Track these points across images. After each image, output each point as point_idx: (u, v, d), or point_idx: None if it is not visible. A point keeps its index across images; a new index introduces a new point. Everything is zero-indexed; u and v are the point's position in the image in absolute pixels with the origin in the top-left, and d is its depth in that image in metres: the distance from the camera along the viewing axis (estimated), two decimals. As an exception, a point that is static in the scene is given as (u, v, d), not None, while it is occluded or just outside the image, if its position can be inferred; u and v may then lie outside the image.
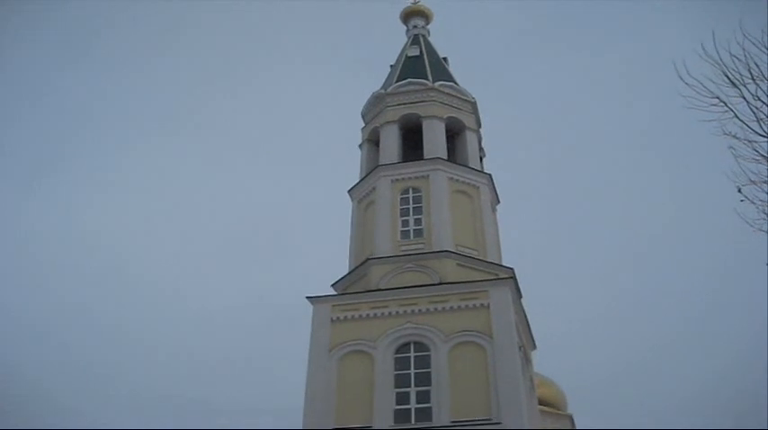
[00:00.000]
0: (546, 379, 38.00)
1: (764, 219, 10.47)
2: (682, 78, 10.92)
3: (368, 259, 24.71)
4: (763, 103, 10.41)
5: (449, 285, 23.01)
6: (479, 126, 30.94)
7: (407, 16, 35.72)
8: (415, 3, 36.09)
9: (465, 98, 30.39)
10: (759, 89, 10.46)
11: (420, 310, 22.63)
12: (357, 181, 28.52)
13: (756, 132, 10.46)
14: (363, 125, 31.05)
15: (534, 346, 27.04)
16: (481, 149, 30.41)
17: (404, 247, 24.93)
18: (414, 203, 26.05)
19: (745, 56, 10.55)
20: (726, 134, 10.70)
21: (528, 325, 25.68)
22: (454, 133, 29.47)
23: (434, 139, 27.86)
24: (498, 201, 28.76)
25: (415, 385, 21.56)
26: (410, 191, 26.38)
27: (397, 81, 30.44)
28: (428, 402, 21.14)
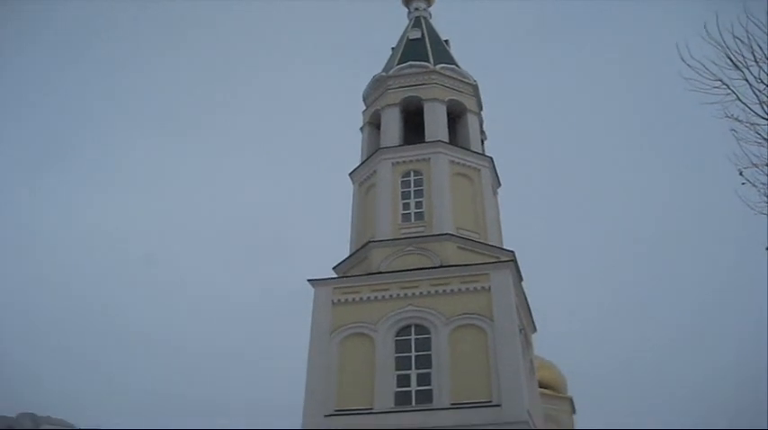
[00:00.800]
0: (546, 361, 38.23)
1: (765, 202, 10.46)
2: (684, 60, 10.86)
3: (369, 242, 24.72)
4: (766, 85, 10.36)
5: (449, 268, 23.02)
6: (481, 109, 30.83)
7: (409, -2, 35.50)
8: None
9: (466, 81, 30.25)
10: (762, 71, 10.40)
11: (421, 293, 22.66)
12: (358, 164, 28.47)
13: (759, 115, 10.42)
14: (364, 108, 30.95)
15: (535, 329, 27.12)
16: (482, 132, 30.30)
17: (404, 230, 24.92)
18: (415, 186, 26.02)
19: (748, 38, 10.49)
20: (728, 117, 10.67)
21: (528, 308, 25.73)
22: (455, 116, 29.36)
23: (435, 122, 27.77)
24: (499, 184, 28.73)
25: (416, 368, 21.64)
26: (411, 174, 26.33)
27: (398, 64, 30.30)
28: (429, 385, 21.23)
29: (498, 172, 28.26)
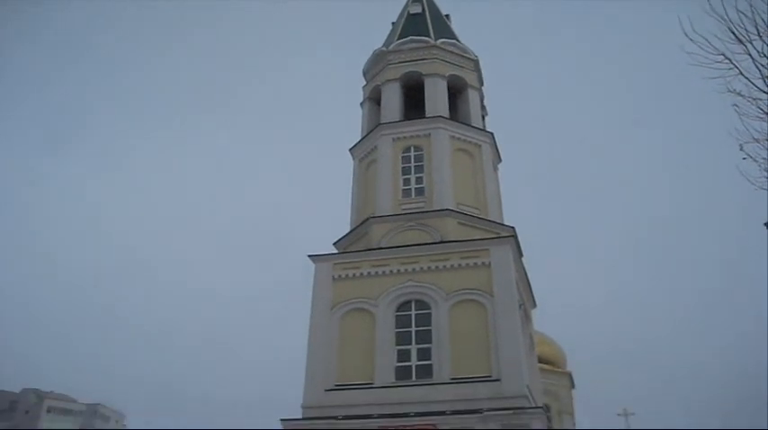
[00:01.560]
0: (546, 337, 38.43)
1: (766, 178, 10.44)
2: (687, 34, 10.76)
3: (369, 218, 24.73)
4: (769, 59, 10.29)
5: (450, 244, 23.05)
6: (481, 84, 30.68)
7: (410, -28, 35.15)
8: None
9: (467, 56, 30.08)
10: (765, 45, 10.32)
11: (421, 269, 22.72)
12: (358, 140, 28.39)
13: (761, 89, 10.36)
14: (365, 83, 30.79)
15: (534, 305, 27.23)
16: (483, 108, 30.19)
17: (405, 206, 24.92)
18: (415, 162, 25.98)
19: (751, 11, 10.39)
20: (730, 92, 10.59)
21: (528, 283, 25.81)
22: (456, 91, 29.24)
23: (436, 97, 27.66)
24: (500, 160, 28.68)
25: (416, 343, 21.76)
26: (411, 149, 26.29)
27: (398, 38, 30.11)
28: (429, 359, 21.36)
29: (499, 147, 28.17)
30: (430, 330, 21.77)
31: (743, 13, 10.44)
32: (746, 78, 10.41)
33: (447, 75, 28.76)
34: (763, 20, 10.34)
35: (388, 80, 28.80)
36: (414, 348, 21.67)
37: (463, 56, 29.89)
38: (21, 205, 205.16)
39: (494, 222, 24.75)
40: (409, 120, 27.52)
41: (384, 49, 30.11)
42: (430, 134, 26.32)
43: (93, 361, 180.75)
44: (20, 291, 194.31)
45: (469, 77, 29.52)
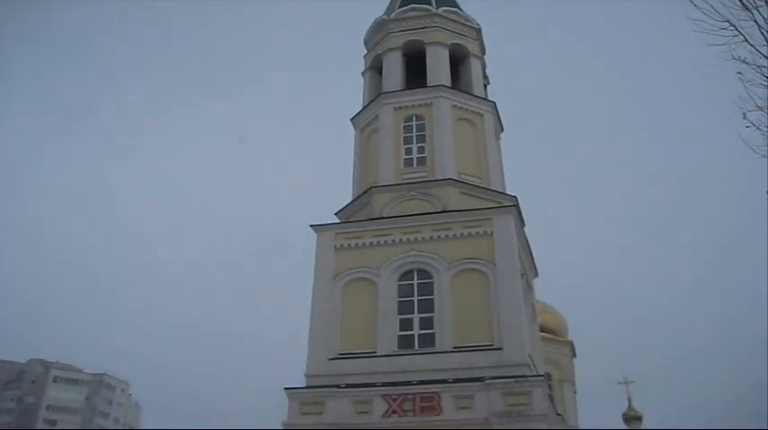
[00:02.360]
0: (548, 306, 38.55)
1: None
2: (691, 0, 10.63)
3: (371, 187, 24.70)
4: (775, 26, 10.17)
5: (452, 213, 23.04)
6: (483, 53, 30.42)
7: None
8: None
9: (469, 24, 29.79)
10: (771, 12, 10.20)
11: (423, 238, 22.75)
12: (360, 109, 28.25)
13: (766, 57, 10.26)
14: (366, 52, 30.55)
15: (536, 274, 27.29)
16: (485, 77, 29.96)
17: (407, 175, 24.87)
18: (417, 131, 25.86)
19: (758, -23, 10.25)
20: (735, 59, 10.48)
21: (530, 253, 25.85)
22: (458, 60, 28.99)
23: (438, 66, 27.45)
24: (502, 129, 28.56)
25: (419, 312, 21.86)
26: (413, 118, 26.16)
27: (400, 7, 29.76)
28: (431, 328, 21.48)
29: (501, 117, 28.04)
30: (432, 299, 21.85)
31: (749, -21, 10.30)
32: (751, 45, 10.31)
33: (449, 43, 28.50)
34: (769, -14, 10.20)
35: (390, 49, 28.57)
36: (416, 317, 21.78)
37: (465, 24, 29.59)
38: (29, 183, 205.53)
39: (496, 191, 24.72)
40: (411, 89, 27.33)
41: (385, 17, 29.81)
42: (431, 103, 26.18)
43: (99, 331, 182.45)
44: (26, 264, 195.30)
45: (471, 46, 29.27)
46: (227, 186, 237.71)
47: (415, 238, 22.80)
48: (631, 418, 37.68)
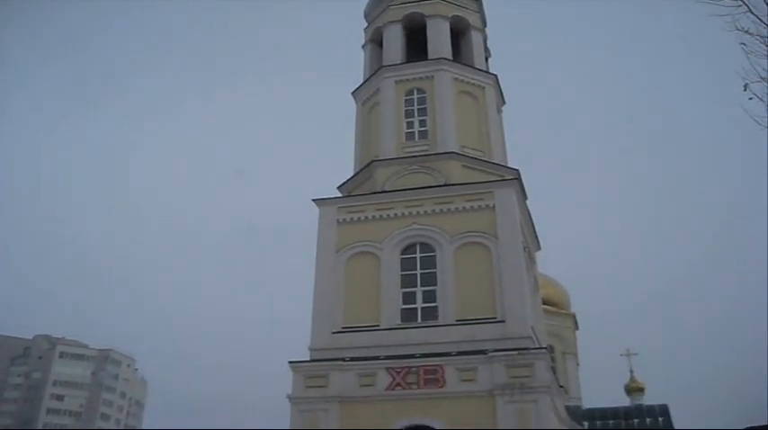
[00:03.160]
0: (550, 279, 38.64)
1: None
2: (695, -30, 10.49)
3: (373, 161, 24.65)
4: (780, -4, 10.05)
5: (454, 186, 23.01)
6: (485, 25, 30.16)
7: None
8: None
9: (470, -4, 29.45)
10: (776, -18, 10.08)
11: (425, 212, 22.74)
12: (361, 82, 28.09)
13: (770, 27, 10.16)
14: (366, 25, 30.30)
15: (539, 247, 27.30)
16: (487, 49, 29.74)
17: (408, 149, 24.80)
18: (418, 105, 25.73)
19: (763, -55, 10.12)
20: (738, 30, 10.38)
21: (533, 226, 25.85)
22: (459, 32, 28.75)
23: (439, 39, 27.23)
24: (504, 102, 28.41)
25: (421, 285, 21.92)
26: (414, 92, 26.01)
27: (400, -21, 29.42)
28: (434, 301, 21.55)
29: (502, 88, 27.88)
30: (435, 273, 21.90)
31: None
32: (755, 16, 10.20)
33: (449, 16, 28.23)
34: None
35: (390, 22, 28.31)
36: (419, 291, 21.85)
37: (466, -4, 29.26)
38: (32, 163, 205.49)
39: (498, 165, 24.65)
40: (412, 62, 27.14)
41: (385, -11, 29.47)
42: (433, 76, 26.01)
43: (105, 307, 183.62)
44: (32, 243, 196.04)
45: (472, 18, 29.00)
46: (233, 162, 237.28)
47: (417, 212, 22.79)
48: (633, 390, 37.94)
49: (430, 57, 26.71)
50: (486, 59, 29.27)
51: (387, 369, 20.22)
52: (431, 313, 21.41)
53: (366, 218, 23.22)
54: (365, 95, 27.42)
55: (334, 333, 21.54)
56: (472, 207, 22.52)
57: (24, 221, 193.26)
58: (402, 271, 22.24)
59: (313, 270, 22.80)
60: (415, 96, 25.94)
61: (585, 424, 33.46)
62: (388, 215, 22.98)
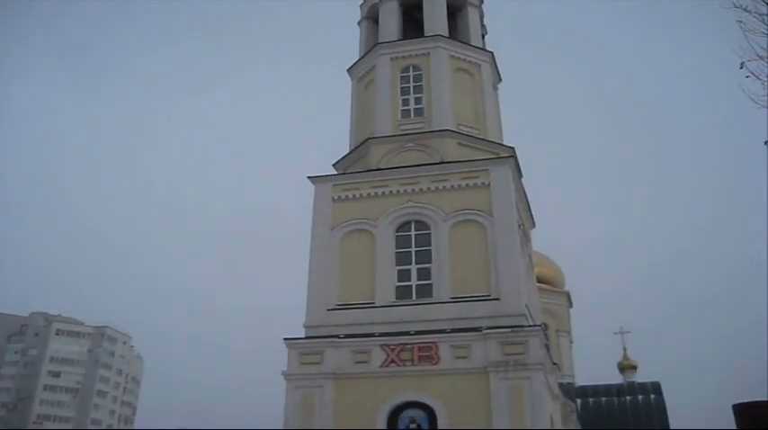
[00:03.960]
0: (545, 257, 38.78)
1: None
2: (693, -55, 10.40)
3: (368, 139, 24.57)
4: (778, -27, 9.98)
5: (449, 164, 22.96)
6: (481, 2, 29.91)
7: None
8: None
9: (467, -28, 29.18)
10: (774, -43, 10.00)
11: (421, 189, 22.71)
12: (356, 59, 27.92)
13: (767, 4, 10.09)
14: (362, 2, 30.05)
15: (534, 225, 27.34)
16: (483, 26, 29.53)
17: (404, 127, 24.71)
18: (414, 82, 25.60)
19: None
20: (736, 7, 10.31)
21: (528, 204, 25.85)
22: (455, 9, 28.52)
23: (435, 16, 27.03)
24: (500, 80, 28.29)
25: (416, 263, 21.96)
26: (410, 69, 25.87)
27: (396, -46, 29.13)
28: (429, 279, 21.61)
29: (499, 66, 27.75)
30: (430, 250, 21.93)
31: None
32: None
33: (446, -8, 27.99)
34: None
35: (386, -2, 28.05)
36: (414, 268, 21.89)
37: (463, -28, 29.00)
38: (31, 138, 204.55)
39: (493, 142, 24.60)
40: (408, 39, 26.96)
41: (381, -35, 29.18)
42: (429, 53, 25.86)
43: (100, 284, 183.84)
44: (28, 217, 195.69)
45: (469, -6, 28.73)
46: (232, 140, 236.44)
47: (413, 190, 22.76)
48: (626, 368, 38.26)
49: (426, 34, 26.52)
50: (483, 37, 29.07)
51: (381, 346, 20.32)
52: (425, 290, 21.47)
53: (361, 195, 23.18)
54: (360, 72, 27.27)
55: (328, 310, 21.59)
56: (467, 185, 22.49)
57: (21, 200, 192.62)
58: (397, 248, 22.26)
59: (308, 247, 22.82)
60: (411, 74, 25.80)
61: (578, 401, 33.71)
62: (384, 193, 22.95)
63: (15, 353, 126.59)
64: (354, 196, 23.25)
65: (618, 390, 35.68)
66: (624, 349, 38.75)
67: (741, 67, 10.30)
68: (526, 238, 25.24)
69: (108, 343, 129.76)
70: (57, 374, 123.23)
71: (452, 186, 22.54)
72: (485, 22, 29.88)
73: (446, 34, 26.64)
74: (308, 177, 23.82)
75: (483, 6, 29.97)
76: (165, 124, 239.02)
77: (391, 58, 26.11)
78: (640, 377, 37.47)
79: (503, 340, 19.54)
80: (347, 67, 27.98)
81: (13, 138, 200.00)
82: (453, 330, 20.07)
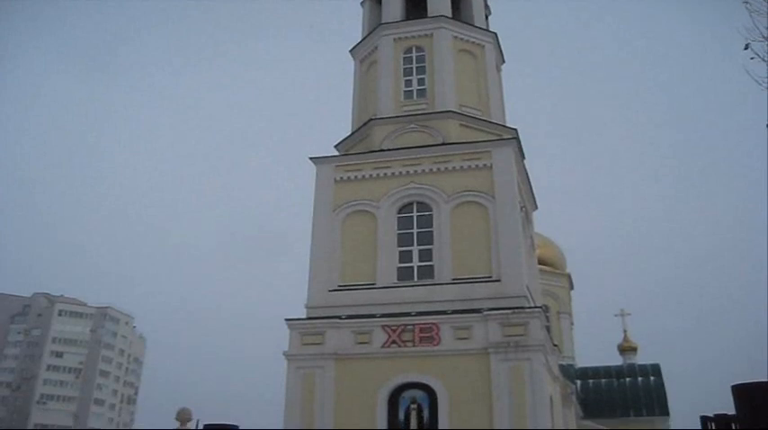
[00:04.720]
0: (546, 239, 38.72)
1: None
2: (698, -76, 10.29)
3: (370, 120, 24.50)
4: (784, -50, 9.86)
5: (452, 145, 22.92)
6: (485, -18, 29.70)
7: None
8: None
9: (471, -48, 28.94)
10: (781, -66, 9.88)
11: (423, 170, 22.69)
12: (359, 40, 27.78)
13: (773, -16, 9.98)
14: (365, -19, 29.81)
15: (536, 207, 27.32)
16: (487, 7, 29.32)
17: (407, 108, 24.63)
18: (417, 63, 25.48)
19: None
20: None
21: (530, 185, 25.82)
22: (459, -11, 28.32)
23: (438, -4, 26.82)
24: (503, 61, 28.15)
25: (418, 244, 22.00)
26: (413, 50, 25.74)
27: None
28: (430, 260, 21.65)
29: (502, 47, 27.60)
30: (431, 232, 21.95)
31: None
32: None
33: (450, -28, 27.76)
34: None
35: (389, -22, 27.84)
36: (415, 249, 21.92)
37: (466, -48, 28.75)
38: (34, 115, 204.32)
39: (496, 124, 24.53)
40: (411, 19, 26.79)
41: (385, -55, 28.95)
42: (432, 34, 25.71)
43: (103, 265, 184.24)
44: (30, 197, 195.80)
45: (473, -25, 28.51)
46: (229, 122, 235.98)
47: (415, 171, 22.74)
48: (626, 350, 38.32)
49: (429, 14, 26.36)
50: (486, 17, 28.90)
51: (382, 327, 20.39)
52: (427, 272, 21.52)
53: (363, 176, 23.17)
54: (363, 53, 27.14)
55: (330, 291, 21.65)
56: (470, 166, 22.46)
57: (24, 180, 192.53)
58: (399, 229, 22.30)
59: (310, 228, 22.84)
60: (414, 54, 25.68)
61: (578, 382, 33.85)
62: (386, 174, 22.93)
63: (18, 333, 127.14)
64: (356, 177, 23.23)
65: (618, 372, 35.80)
66: (624, 331, 38.80)
67: (746, 48, 10.21)
68: (528, 220, 25.23)
69: (110, 323, 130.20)
70: (60, 354, 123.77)
71: (454, 168, 22.51)
72: (488, 2, 29.67)
73: (449, 15, 26.47)
74: (311, 158, 23.79)
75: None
76: (167, 108, 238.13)
77: (394, 39, 25.97)
78: (640, 359, 37.55)
79: (503, 321, 19.60)
80: (350, 48, 27.81)
81: (17, 114, 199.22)
82: (454, 311, 20.14)
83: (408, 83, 25.20)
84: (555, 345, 25.29)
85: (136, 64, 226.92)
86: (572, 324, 40.45)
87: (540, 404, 18.69)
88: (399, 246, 22.05)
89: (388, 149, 23.39)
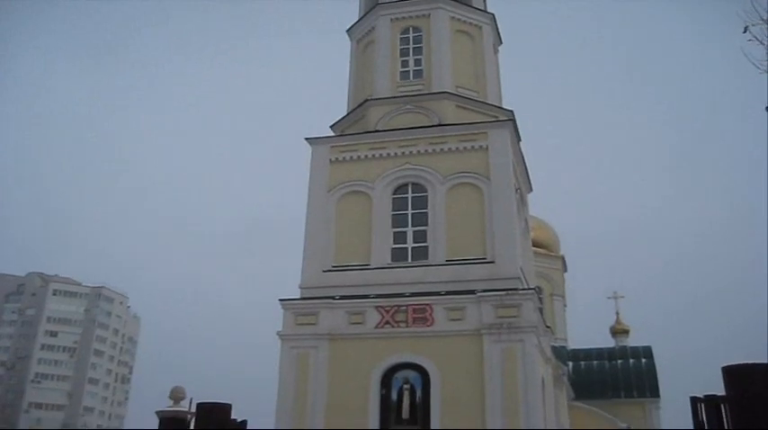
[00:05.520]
0: (541, 221, 38.80)
1: None
2: None
3: (366, 100, 24.40)
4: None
5: (447, 126, 22.86)
6: (484, -38, 29.48)
7: None
8: None
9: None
10: None
11: (418, 151, 22.64)
12: (356, 20, 27.60)
13: (773, -37, 9.92)
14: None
15: (531, 189, 27.33)
16: (485, -13, 29.15)
17: (403, 88, 24.52)
18: (414, 43, 25.35)
19: None
20: None
21: (525, 168, 25.81)
22: (457, -30, 28.11)
23: (436, -24, 26.62)
24: (501, 42, 28.02)
25: (413, 225, 21.99)
26: (410, 30, 25.59)
27: None
28: (425, 241, 21.65)
29: (500, 28, 27.46)
30: (426, 213, 21.94)
31: None
32: None
33: (448, -49, 27.53)
34: None
35: (387, -43, 27.62)
36: (410, 230, 21.92)
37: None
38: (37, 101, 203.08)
39: (492, 105, 24.47)
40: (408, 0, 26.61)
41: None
42: (429, 14, 25.55)
43: (97, 244, 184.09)
44: (25, 178, 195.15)
45: (471, -46, 28.30)
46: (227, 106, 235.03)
47: (410, 152, 22.69)
48: (619, 332, 38.55)
49: (427, -6, 26.14)
50: (484, -2, 28.70)
51: (376, 307, 20.44)
52: (421, 253, 21.53)
53: (359, 157, 23.11)
54: (360, 33, 26.98)
55: (324, 271, 21.67)
56: (465, 148, 22.42)
57: (20, 160, 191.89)
58: (393, 210, 22.27)
59: (305, 208, 22.82)
60: (411, 35, 25.54)
61: (570, 364, 34.05)
62: (381, 155, 22.88)
63: (13, 312, 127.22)
64: (352, 158, 23.18)
65: (610, 354, 36.02)
66: (617, 313, 39.00)
67: (744, 31, 10.16)
68: (523, 202, 25.24)
69: (105, 303, 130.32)
70: (54, 334, 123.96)
71: (450, 149, 22.47)
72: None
73: (447, -6, 26.26)
74: (306, 139, 23.72)
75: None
76: (167, 97, 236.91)
77: (391, 19, 25.81)
78: (632, 341, 37.78)
79: (497, 303, 19.66)
80: (346, 28, 27.65)
81: (15, 97, 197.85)
82: (448, 292, 20.18)
83: (405, 63, 25.08)
84: (548, 327, 25.41)
85: (142, 57, 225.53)
86: (565, 306, 40.63)
87: (531, 385, 18.80)
88: (394, 226, 22.03)
89: (384, 130, 23.31)
